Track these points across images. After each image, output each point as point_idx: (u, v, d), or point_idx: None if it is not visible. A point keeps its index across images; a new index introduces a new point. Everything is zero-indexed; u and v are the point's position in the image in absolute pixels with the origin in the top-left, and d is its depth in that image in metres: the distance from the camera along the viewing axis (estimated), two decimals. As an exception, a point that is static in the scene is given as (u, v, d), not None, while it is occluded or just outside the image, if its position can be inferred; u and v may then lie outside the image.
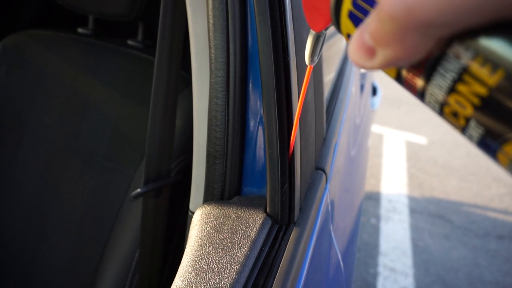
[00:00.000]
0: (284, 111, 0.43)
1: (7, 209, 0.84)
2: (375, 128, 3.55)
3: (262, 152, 0.47)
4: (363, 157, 1.21)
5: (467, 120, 0.15)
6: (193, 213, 0.51)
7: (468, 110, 0.14)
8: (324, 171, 0.56)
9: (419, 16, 0.13)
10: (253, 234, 0.41)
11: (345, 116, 0.86)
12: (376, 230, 2.19)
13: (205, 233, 0.41)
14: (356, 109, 1.14)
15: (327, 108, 0.79)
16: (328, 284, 0.53)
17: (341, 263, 0.61)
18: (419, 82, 0.16)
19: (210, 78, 0.46)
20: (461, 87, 0.14)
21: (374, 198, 2.51)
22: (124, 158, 0.76)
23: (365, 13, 0.18)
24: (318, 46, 0.32)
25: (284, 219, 0.45)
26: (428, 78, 0.15)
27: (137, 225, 0.69)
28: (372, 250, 2.04)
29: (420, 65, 0.16)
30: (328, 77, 0.90)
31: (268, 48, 0.41)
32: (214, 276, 0.36)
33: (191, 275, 0.36)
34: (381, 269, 1.91)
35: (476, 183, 2.88)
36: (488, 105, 0.14)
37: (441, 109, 0.16)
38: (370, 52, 0.15)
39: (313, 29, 0.29)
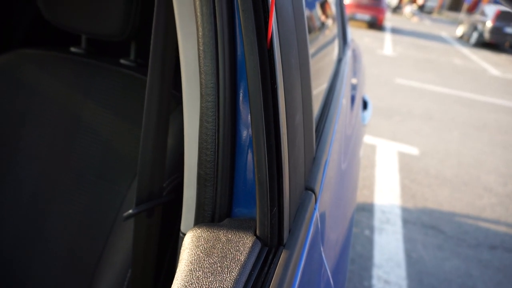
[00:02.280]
0: (272, 136, 0.44)
1: (0, 224, 0.83)
2: (367, 139, 3.58)
3: (251, 175, 0.48)
4: (354, 171, 1.22)
5: None
6: (184, 234, 0.52)
7: None
8: (313, 191, 0.57)
9: None
10: (242, 258, 0.42)
11: (335, 133, 0.87)
12: (370, 241, 2.20)
13: (195, 257, 0.42)
14: (346, 125, 1.16)
15: (317, 126, 0.80)
16: (318, 304, 0.54)
17: (331, 281, 0.61)
18: None
19: (201, 103, 0.47)
20: None
21: (367, 209, 2.52)
22: (116, 176, 0.77)
23: None
24: None
25: (274, 241, 0.45)
26: None
27: (129, 244, 0.69)
28: (366, 262, 2.04)
29: None
30: (318, 93, 0.91)
31: (256, 75, 0.42)
32: (203, 302, 0.36)
33: (181, 300, 0.37)
34: (375, 281, 1.91)
35: (468, 193, 2.91)
36: None
37: None
38: None
39: None
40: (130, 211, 0.58)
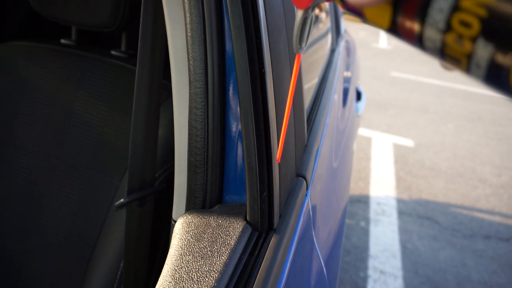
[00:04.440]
0: (261, 121, 0.44)
1: (-9, 220, 0.83)
2: (363, 131, 3.59)
3: (242, 161, 0.48)
4: (347, 162, 1.23)
5: (474, 40, 0.13)
6: (175, 221, 0.52)
7: (475, 27, 0.13)
8: (304, 177, 0.58)
9: None
10: (232, 242, 0.42)
11: (327, 122, 0.87)
12: (365, 233, 2.21)
13: (185, 242, 0.42)
14: (339, 115, 1.16)
15: (309, 115, 0.80)
16: (310, 289, 0.54)
17: (324, 269, 0.62)
18: (416, 23, 0.15)
19: (190, 89, 0.47)
20: (465, 2, 0.13)
21: (363, 201, 2.53)
22: (108, 167, 0.77)
23: None
24: (306, 31, 0.30)
25: (264, 226, 0.46)
26: (425, 7, 0.14)
27: (122, 235, 0.69)
28: (362, 253, 2.05)
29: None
30: (311, 83, 0.91)
31: (243, 60, 0.42)
32: (193, 285, 0.37)
33: (171, 284, 0.37)
34: (371, 272, 1.93)
35: (462, 184, 2.93)
36: (495, 17, 0.12)
37: (444, 41, 0.14)
38: None
39: (299, 7, 0.26)
40: (122, 200, 0.58)
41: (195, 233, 0.43)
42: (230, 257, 0.40)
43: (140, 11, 0.57)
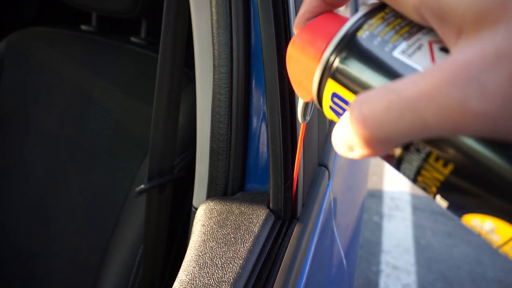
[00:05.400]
0: (287, 108, 0.43)
1: (12, 203, 0.84)
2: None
3: (265, 148, 0.47)
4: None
5: (434, 194, 0.18)
6: (196, 209, 0.52)
7: (433, 189, 0.18)
8: (326, 167, 0.57)
9: (381, 136, 0.16)
10: (256, 229, 0.41)
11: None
12: (378, 227, 2.19)
13: (208, 228, 0.42)
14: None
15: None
16: (331, 280, 0.54)
17: (344, 260, 0.61)
18: (394, 165, 0.20)
19: (214, 75, 0.46)
20: (425, 172, 0.18)
21: (376, 196, 2.51)
22: (127, 154, 0.77)
23: (343, 109, 0.20)
24: (309, 107, 0.32)
25: (287, 214, 0.45)
26: (398, 164, 0.19)
27: (140, 221, 0.70)
28: (375, 247, 2.04)
29: (390, 156, 0.19)
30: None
31: (271, 45, 0.41)
32: (217, 270, 0.36)
33: (195, 269, 0.37)
34: (383, 266, 1.91)
35: (479, 181, 2.88)
36: (446, 188, 0.17)
37: (415, 183, 0.19)
38: (350, 147, 0.18)
39: (302, 99, 0.28)
40: (142, 186, 0.58)
41: (218, 220, 0.43)
42: (254, 244, 0.40)
43: None
